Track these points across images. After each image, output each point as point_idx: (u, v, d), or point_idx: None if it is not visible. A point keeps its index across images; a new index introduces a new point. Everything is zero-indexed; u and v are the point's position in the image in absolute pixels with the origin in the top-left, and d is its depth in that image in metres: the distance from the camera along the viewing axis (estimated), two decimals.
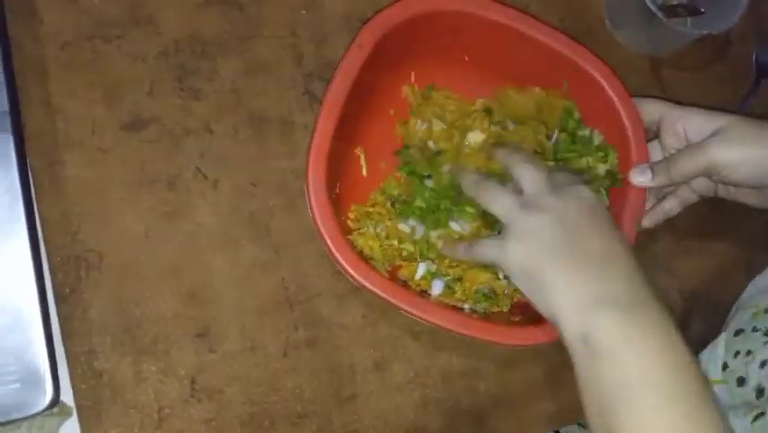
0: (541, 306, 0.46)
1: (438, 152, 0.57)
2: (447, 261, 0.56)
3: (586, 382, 0.43)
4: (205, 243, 0.55)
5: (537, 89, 0.59)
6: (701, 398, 0.41)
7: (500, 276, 0.55)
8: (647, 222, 0.58)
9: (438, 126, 0.58)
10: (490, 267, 0.54)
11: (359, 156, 0.57)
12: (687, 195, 0.58)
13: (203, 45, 0.57)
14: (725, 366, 0.57)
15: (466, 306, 0.55)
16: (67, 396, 0.50)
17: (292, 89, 0.58)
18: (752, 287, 0.65)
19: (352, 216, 0.56)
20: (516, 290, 0.56)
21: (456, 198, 0.54)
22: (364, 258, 0.52)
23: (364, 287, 0.50)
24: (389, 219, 0.56)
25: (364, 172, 0.57)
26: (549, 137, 0.58)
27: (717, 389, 0.57)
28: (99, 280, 0.52)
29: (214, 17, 0.57)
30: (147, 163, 0.54)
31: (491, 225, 0.54)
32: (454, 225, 0.55)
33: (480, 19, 0.55)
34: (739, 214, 0.59)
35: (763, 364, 0.54)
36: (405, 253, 0.56)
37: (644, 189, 0.55)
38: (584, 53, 0.56)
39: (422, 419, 0.57)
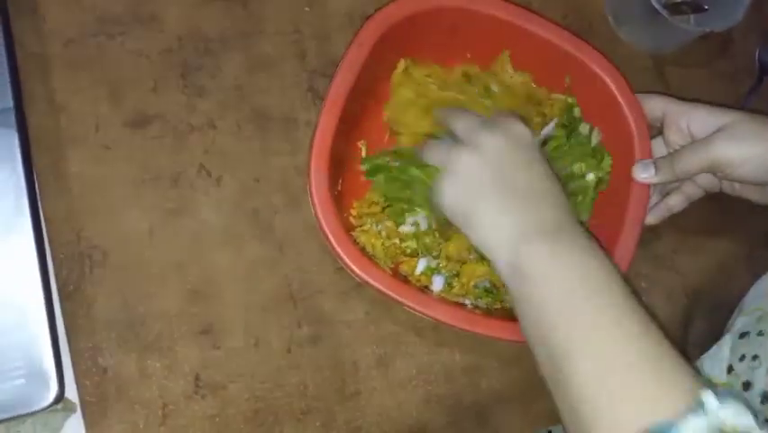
0: (475, 242, 0.47)
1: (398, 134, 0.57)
2: (446, 256, 0.56)
3: (523, 311, 0.44)
4: (209, 239, 0.55)
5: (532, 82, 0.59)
6: (629, 305, 0.41)
7: None
8: (651, 218, 0.58)
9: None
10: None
11: (361, 153, 0.57)
12: (691, 190, 0.58)
13: (206, 42, 0.57)
14: (730, 369, 0.57)
15: (468, 301, 0.55)
16: (71, 392, 0.50)
17: (295, 86, 0.58)
18: (756, 288, 0.65)
19: (354, 212, 0.56)
20: None
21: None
22: (366, 255, 0.52)
23: (367, 283, 0.50)
24: (388, 220, 0.56)
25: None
26: (544, 126, 0.57)
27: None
28: (103, 276, 0.53)
29: (218, 14, 0.57)
30: (151, 160, 0.55)
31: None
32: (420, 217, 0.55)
33: (481, 15, 0.55)
34: (743, 211, 0.59)
35: None
36: (408, 251, 0.56)
37: (647, 186, 0.55)
38: (587, 49, 0.56)
39: (425, 415, 0.58)
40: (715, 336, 0.60)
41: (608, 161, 0.57)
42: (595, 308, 0.41)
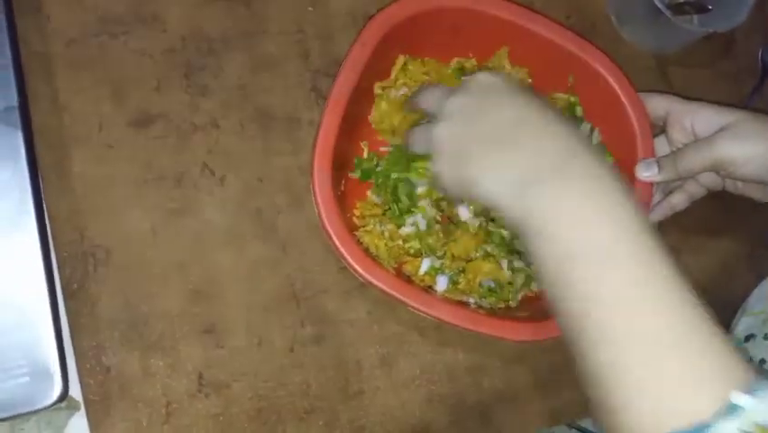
0: (482, 202, 0.44)
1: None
2: (451, 255, 0.56)
3: (539, 264, 0.41)
4: (212, 239, 0.55)
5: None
6: (649, 249, 0.38)
7: (504, 267, 0.55)
8: (654, 217, 0.58)
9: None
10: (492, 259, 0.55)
11: (363, 153, 0.57)
12: (694, 189, 0.58)
13: (209, 42, 0.57)
14: None
15: (471, 300, 0.55)
16: (75, 390, 0.50)
17: (298, 86, 0.58)
18: (760, 289, 0.65)
19: (357, 212, 0.56)
20: (524, 284, 0.56)
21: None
22: (370, 255, 0.52)
23: (370, 283, 0.50)
24: (390, 221, 0.56)
25: None
26: None
27: None
28: (107, 275, 0.53)
29: (220, 14, 0.57)
30: (154, 160, 0.55)
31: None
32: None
33: (484, 15, 0.55)
34: (745, 210, 0.59)
35: None
36: (412, 251, 0.56)
37: (650, 184, 0.55)
38: (590, 49, 0.56)
39: (428, 414, 0.58)
40: None
41: (608, 161, 0.57)
42: (605, 263, 0.38)
